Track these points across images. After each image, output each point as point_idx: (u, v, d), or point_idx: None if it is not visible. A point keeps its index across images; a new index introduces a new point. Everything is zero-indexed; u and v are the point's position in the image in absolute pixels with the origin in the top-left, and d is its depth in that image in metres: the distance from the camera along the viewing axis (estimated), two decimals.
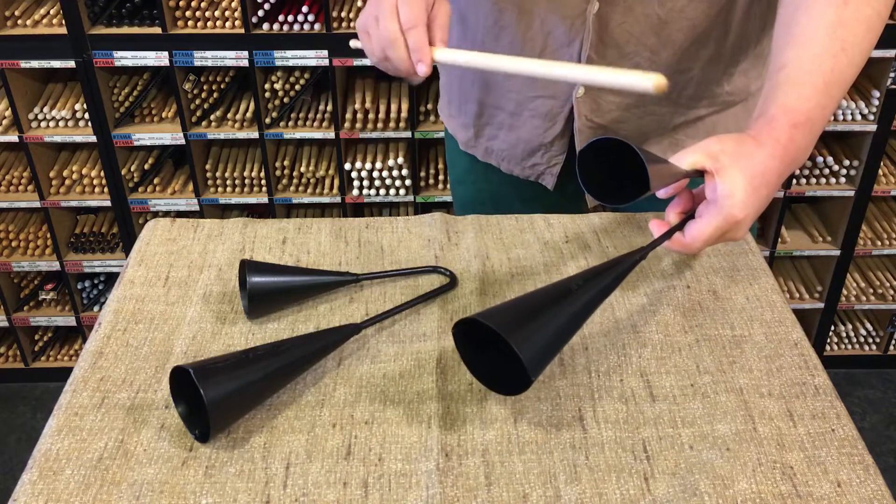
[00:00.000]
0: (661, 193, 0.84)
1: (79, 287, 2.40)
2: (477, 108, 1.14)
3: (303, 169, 2.18)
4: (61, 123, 2.12)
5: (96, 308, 2.41)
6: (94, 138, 2.10)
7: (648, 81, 0.76)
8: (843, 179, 2.20)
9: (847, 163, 2.17)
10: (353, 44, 0.96)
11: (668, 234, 0.81)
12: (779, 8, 0.87)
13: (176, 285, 0.93)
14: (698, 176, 0.81)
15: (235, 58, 2.01)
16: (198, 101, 2.11)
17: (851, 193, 2.20)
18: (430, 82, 2.15)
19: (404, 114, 2.09)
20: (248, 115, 2.11)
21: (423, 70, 0.87)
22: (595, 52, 1.00)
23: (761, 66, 1.08)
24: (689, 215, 0.82)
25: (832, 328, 2.47)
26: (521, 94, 1.08)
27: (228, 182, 2.21)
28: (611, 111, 1.06)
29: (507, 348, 0.69)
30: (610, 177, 0.81)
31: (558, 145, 1.11)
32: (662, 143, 1.10)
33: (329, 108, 2.12)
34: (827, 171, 2.19)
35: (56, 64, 2.01)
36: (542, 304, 0.73)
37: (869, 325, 2.48)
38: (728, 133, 1.10)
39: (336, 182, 2.18)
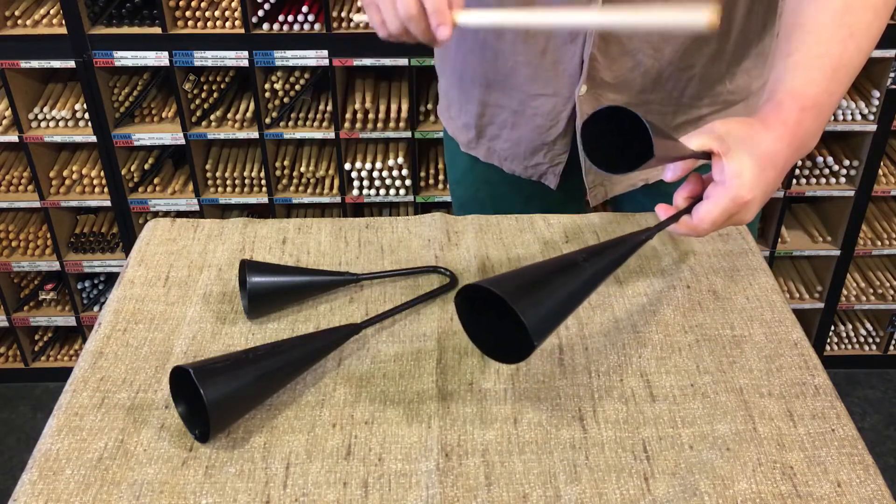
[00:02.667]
0: (669, 175, 0.83)
1: (79, 287, 2.40)
2: (479, 108, 1.14)
3: (303, 169, 2.18)
4: (61, 123, 2.12)
5: (96, 308, 2.41)
6: (94, 138, 2.10)
7: (701, 18, 0.73)
8: (843, 179, 2.20)
9: (847, 163, 2.17)
10: (355, 18, 0.91)
11: (675, 217, 0.81)
12: None
13: (176, 285, 0.93)
14: (706, 158, 0.80)
15: (235, 58, 2.01)
16: (198, 101, 2.11)
17: (851, 193, 2.19)
18: (431, 83, 2.16)
19: (404, 114, 2.09)
20: (248, 115, 2.11)
21: (444, 34, 0.83)
22: (597, 49, 1.00)
23: (763, 65, 1.08)
24: (696, 199, 0.81)
25: (832, 328, 2.47)
26: (523, 92, 1.08)
27: (228, 182, 2.21)
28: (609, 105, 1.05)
29: (511, 315, 0.68)
30: (613, 149, 0.80)
31: (561, 144, 1.11)
32: None
33: (329, 108, 2.11)
34: (827, 171, 2.19)
35: (56, 64, 2.01)
36: (547, 274, 0.72)
37: (869, 325, 2.48)
38: None
39: (336, 182, 2.18)
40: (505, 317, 0.71)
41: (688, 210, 0.81)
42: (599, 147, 0.80)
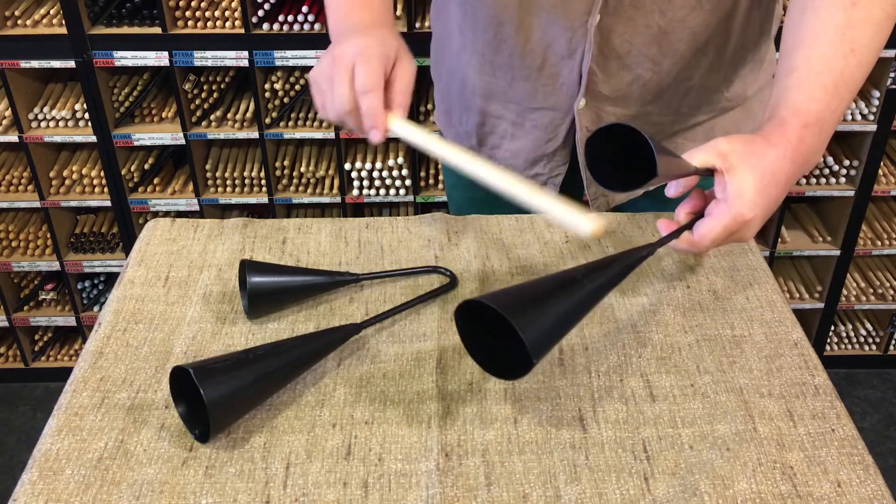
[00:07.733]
0: (671, 192, 0.83)
1: (79, 287, 2.40)
2: (479, 117, 1.13)
3: (303, 169, 2.18)
4: (61, 123, 2.12)
5: (96, 308, 2.41)
6: (94, 138, 2.10)
7: (587, 226, 0.75)
8: (843, 179, 2.20)
9: (847, 163, 2.17)
10: None
11: (676, 233, 0.81)
12: (787, 10, 0.87)
13: (176, 285, 0.93)
14: (708, 174, 0.80)
15: (235, 58, 2.01)
16: (198, 101, 2.11)
17: (851, 193, 2.19)
18: (430, 83, 2.15)
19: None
20: (248, 115, 2.11)
21: (375, 138, 0.85)
22: (596, 63, 0.99)
23: (759, 72, 1.08)
24: (698, 215, 0.82)
25: (832, 328, 2.47)
26: (521, 104, 1.08)
27: (228, 182, 2.21)
28: (612, 122, 1.05)
29: (510, 331, 0.68)
30: (617, 166, 0.80)
31: (560, 156, 1.11)
32: None
33: None
34: (827, 171, 2.19)
35: (56, 64, 2.01)
36: (546, 291, 0.72)
37: (869, 325, 2.48)
38: (727, 134, 1.10)
39: (336, 182, 2.18)
40: (504, 333, 0.71)
41: (689, 226, 0.81)
42: (602, 163, 0.80)
